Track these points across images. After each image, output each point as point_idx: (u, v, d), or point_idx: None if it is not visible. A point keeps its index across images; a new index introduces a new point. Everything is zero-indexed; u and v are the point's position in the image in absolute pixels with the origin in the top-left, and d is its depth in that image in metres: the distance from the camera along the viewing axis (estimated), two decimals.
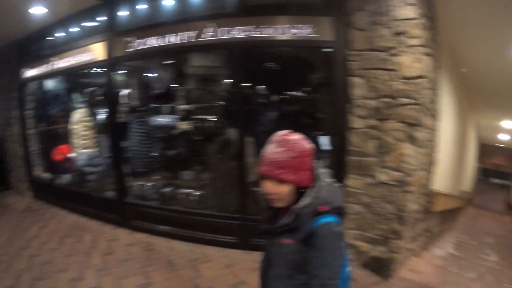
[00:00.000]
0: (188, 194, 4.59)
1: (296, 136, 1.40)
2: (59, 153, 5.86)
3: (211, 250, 4.13)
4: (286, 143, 1.36)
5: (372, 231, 3.57)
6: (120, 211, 4.89)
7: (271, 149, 1.37)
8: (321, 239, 1.30)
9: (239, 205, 4.09)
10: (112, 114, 4.83)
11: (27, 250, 4.21)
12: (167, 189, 4.77)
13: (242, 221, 4.06)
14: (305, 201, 1.33)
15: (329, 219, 1.33)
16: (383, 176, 3.42)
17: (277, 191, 1.36)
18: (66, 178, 5.96)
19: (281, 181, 1.34)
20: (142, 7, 4.38)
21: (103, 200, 5.20)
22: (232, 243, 4.13)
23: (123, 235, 4.63)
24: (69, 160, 5.76)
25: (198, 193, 4.57)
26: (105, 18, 4.70)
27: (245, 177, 4.00)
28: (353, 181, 3.61)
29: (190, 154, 4.91)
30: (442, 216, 5.54)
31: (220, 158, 4.41)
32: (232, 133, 4.22)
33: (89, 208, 5.33)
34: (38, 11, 4.77)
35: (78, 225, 5.06)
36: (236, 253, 4.03)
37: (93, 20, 4.90)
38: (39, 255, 4.06)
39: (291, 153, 1.34)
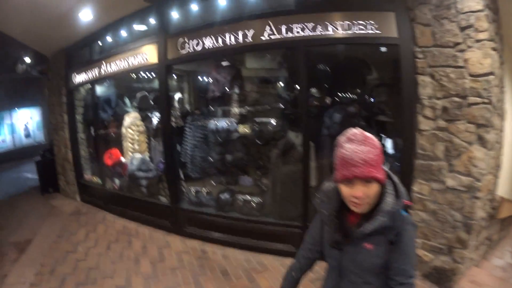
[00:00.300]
0: (245, 200, 4.44)
1: (368, 133, 1.29)
2: (110, 157, 5.92)
3: (268, 259, 4.01)
4: (366, 140, 1.24)
5: (436, 240, 3.35)
6: (173, 217, 4.86)
7: (356, 149, 1.22)
8: (405, 233, 1.27)
9: (300, 212, 3.95)
10: (165, 118, 4.81)
11: (73, 254, 4.27)
12: (224, 195, 4.62)
13: (302, 229, 3.90)
14: (390, 198, 1.25)
15: (405, 212, 1.29)
16: (451, 181, 3.19)
17: (368, 193, 1.23)
18: (116, 182, 6.00)
19: (371, 181, 1.22)
20: (194, 7, 4.32)
21: (155, 205, 5.19)
22: (291, 252, 3.93)
23: (175, 242, 4.58)
24: (120, 164, 5.81)
25: (256, 199, 4.42)
26: (156, 20, 4.69)
27: (308, 182, 3.86)
28: (419, 187, 3.40)
29: (248, 159, 4.78)
30: (501, 223, 5.21)
31: (280, 163, 4.25)
32: (293, 136, 4.09)
33: (140, 213, 5.34)
34: (86, 17, 4.85)
35: (127, 230, 5.08)
36: None
37: (144, 22, 4.92)
38: (85, 259, 4.11)
39: (375, 150, 1.23)
